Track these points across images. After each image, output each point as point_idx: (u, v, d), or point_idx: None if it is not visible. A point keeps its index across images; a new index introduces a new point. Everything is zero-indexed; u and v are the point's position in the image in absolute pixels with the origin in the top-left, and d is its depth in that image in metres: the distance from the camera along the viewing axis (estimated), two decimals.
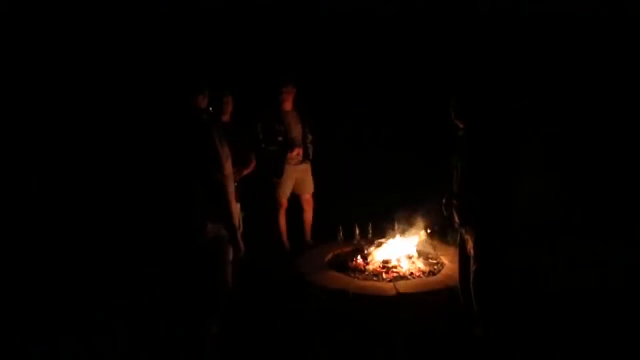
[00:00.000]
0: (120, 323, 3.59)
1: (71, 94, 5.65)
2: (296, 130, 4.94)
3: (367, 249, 4.52)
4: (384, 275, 4.16)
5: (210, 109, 3.29)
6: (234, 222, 2.87)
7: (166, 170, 2.87)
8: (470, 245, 3.23)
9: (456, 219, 3.30)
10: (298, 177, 5.07)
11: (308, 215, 5.27)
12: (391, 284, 4.01)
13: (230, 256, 2.97)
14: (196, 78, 3.23)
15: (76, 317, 3.71)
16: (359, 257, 4.43)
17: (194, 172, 2.78)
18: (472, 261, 3.24)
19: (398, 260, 4.38)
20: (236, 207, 3.06)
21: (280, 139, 4.81)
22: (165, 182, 2.89)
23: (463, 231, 3.31)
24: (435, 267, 4.36)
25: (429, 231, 4.62)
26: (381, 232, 4.74)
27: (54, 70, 5.59)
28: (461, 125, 3.23)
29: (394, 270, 4.24)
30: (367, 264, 4.35)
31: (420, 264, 4.37)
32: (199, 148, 2.78)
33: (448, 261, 4.40)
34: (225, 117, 4.14)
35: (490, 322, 3.25)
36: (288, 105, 4.92)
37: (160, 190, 2.93)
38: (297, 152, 4.91)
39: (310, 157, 5.09)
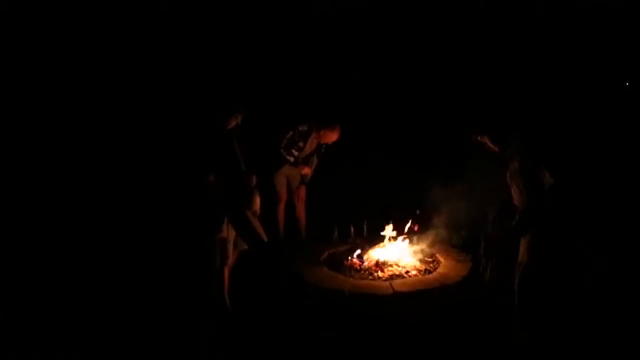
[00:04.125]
0: (118, 323, 3.55)
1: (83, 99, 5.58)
2: (311, 149, 5.09)
3: (362, 248, 4.51)
4: (380, 274, 4.15)
5: None
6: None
7: (186, 178, 2.95)
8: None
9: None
10: (290, 174, 5.11)
11: (300, 212, 5.25)
12: (387, 282, 4.00)
13: (225, 260, 2.99)
14: (228, 100, 3.35)
15: (73, 316, 3.67)
16: (354, 256, 4.42)
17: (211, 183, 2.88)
18: (518, 266, 3.09)
19: (394, 258, 4.37)
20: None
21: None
22: (186, 191, 2.96)
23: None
24: (431, 265, 4.36)
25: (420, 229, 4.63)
26: (376, 231, 4.74)
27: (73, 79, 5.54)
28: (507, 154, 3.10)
29: (390, 268, 4.24)
30: (363, 262, 4.34)
31: (415, 262, 4.36)
32: (220, 161, 2.88)
33: (443, 259, 4.41)
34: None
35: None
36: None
37: (178, 197, 2.99)
38: (305, 170, 5.10)
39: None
